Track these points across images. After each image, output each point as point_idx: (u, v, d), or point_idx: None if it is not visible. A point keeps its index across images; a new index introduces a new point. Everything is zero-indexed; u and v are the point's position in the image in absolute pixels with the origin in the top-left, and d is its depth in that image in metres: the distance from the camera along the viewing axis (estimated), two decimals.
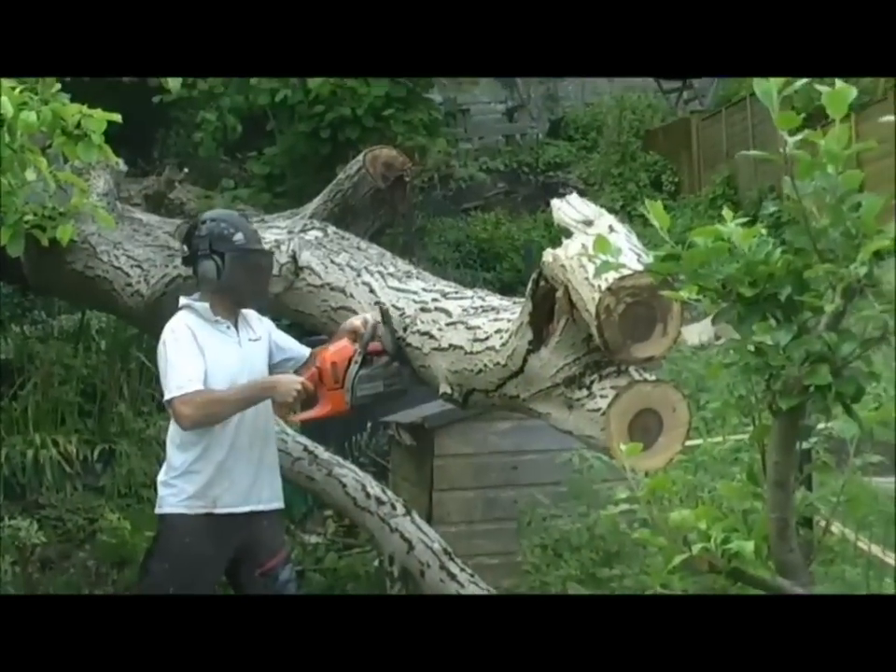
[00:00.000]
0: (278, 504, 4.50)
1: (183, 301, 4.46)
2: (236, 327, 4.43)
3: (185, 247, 4.49)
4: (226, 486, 4.31)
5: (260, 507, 4.41)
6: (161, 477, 4.39)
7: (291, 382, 4.27)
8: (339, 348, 4.35)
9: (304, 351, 4.59)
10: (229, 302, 4.40)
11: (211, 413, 4.24)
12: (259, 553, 4.42)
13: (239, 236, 4.39)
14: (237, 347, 4.40)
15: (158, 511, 4.38)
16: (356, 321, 4.44)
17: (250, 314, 4.51)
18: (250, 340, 4.45)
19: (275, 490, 4.49)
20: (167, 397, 4.22)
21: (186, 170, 12.70)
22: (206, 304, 4.37)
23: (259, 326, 4.53)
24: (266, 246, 4.78)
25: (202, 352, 4.27)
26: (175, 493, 4.30)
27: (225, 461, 4.30)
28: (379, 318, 4.39)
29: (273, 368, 4.53)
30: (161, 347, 4.32)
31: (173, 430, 4.37)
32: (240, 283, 4.37)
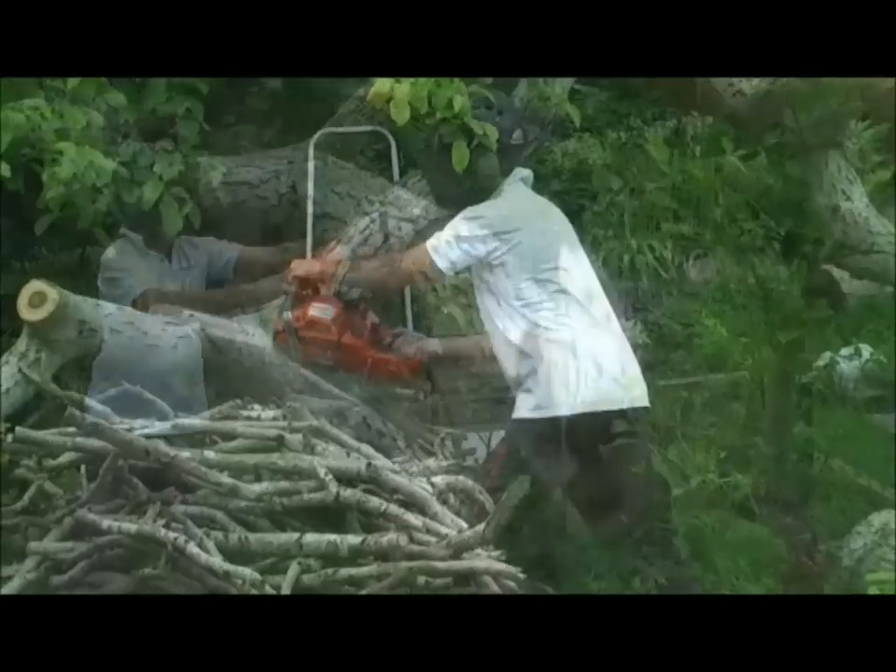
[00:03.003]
0: None
1: (122, 230, 4.61)
2: (169, 258, 4.62)
3: None
4: None
5: None
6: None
7: None
8: None
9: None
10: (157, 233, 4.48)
11: None
12: None
13: None
14: (171, 279, 4.57)
15: None
16: None
17: (184, 242, 4.64)
18: (182, 268, 4.62)
19: None
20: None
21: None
22: (140, 237, 4.55)
23: (194, 252, 4.67)
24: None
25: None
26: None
27: None
28: None
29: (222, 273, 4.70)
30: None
31: None
32: None
